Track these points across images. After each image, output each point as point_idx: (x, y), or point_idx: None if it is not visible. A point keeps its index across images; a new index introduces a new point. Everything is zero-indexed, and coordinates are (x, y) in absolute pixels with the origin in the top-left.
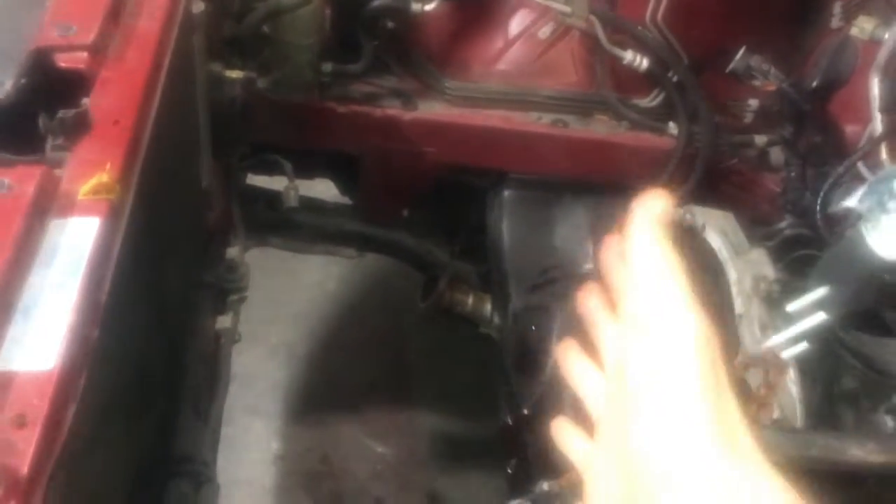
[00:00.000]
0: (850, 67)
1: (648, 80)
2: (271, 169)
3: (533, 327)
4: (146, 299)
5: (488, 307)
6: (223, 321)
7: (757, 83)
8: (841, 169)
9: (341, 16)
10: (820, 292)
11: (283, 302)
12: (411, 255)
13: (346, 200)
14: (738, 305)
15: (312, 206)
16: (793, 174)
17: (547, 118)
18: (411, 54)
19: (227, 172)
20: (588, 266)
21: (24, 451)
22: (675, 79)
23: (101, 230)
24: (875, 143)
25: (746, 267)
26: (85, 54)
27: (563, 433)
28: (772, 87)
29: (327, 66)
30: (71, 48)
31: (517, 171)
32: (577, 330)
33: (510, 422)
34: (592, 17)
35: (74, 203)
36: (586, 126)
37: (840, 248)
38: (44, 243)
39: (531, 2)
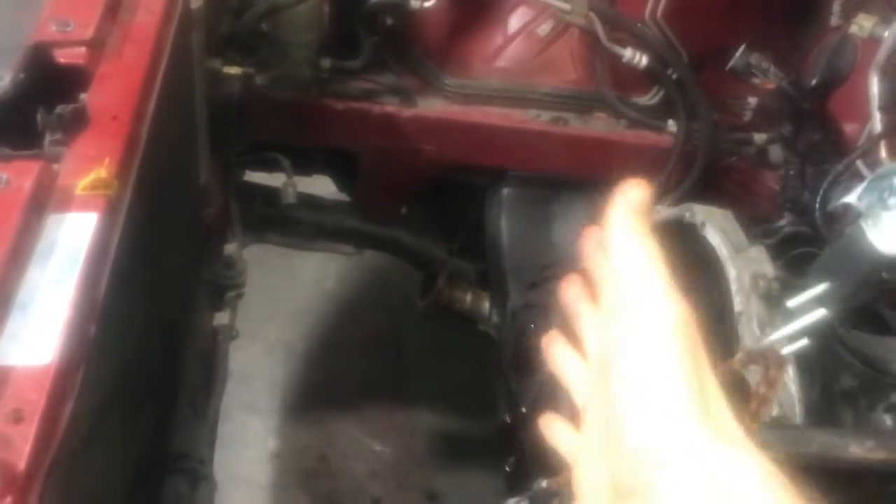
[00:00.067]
0: (850, 65)
1: (648, 78)
2: (269, 165)
3: (531, 325)
4: (144, 295)
5: (487, 305)
6: (221, 318)
7: (756, 81)
8: (840, 167)
9: (340, 12)
10: (820, 288)
11: (281, 299)
12: (410, 253)
13: (344, 197)
14: (738, 303)
15: (311, 202)
16: (792, 172)
17: (546, 115)
18: (410, 51)
19: (225, 169)
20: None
21: (20, 447)
22: (674, 76)
23: (98, 225)
24: (874, 141)
25: (745, 264)
26: (83, 49)
27: (552, 427)
28: (771, 85)
29: (326, 63)
30: (69, 43)
31: (516, 168)
32: (563, 321)
33: (508, 420)
34: (592, 15)
35: (72, 198)
36: (585, 123)
37: (841, 244)
38: (41, 238)
39: None
